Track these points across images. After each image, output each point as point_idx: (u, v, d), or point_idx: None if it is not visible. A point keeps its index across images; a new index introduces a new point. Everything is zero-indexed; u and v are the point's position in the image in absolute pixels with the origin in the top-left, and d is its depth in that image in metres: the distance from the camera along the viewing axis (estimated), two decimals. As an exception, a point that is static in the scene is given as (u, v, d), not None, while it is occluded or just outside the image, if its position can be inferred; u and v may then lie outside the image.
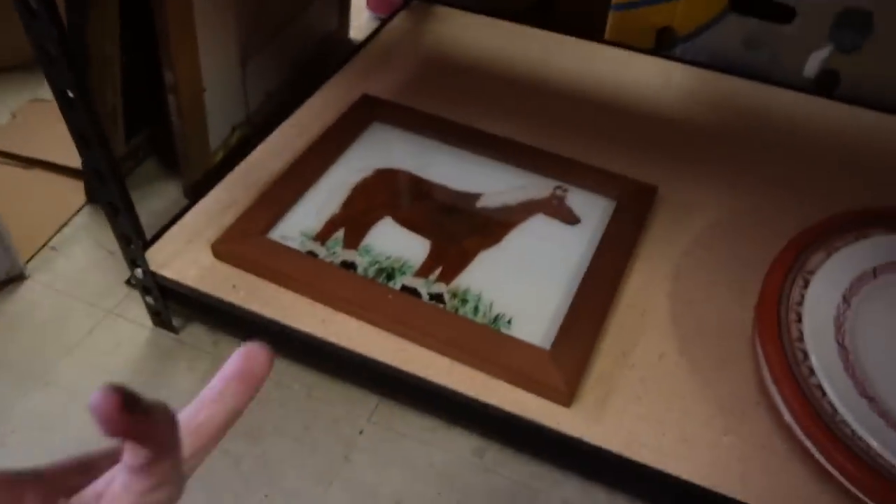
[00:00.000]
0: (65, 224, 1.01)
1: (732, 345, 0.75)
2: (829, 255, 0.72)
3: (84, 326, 0.89)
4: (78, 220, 1.02)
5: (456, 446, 0.78)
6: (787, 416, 0.63)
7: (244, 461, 0.77)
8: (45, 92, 1.18)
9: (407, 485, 0.75)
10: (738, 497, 0.63)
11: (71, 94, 0.65)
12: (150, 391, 0.83)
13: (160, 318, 0.87)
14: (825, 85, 1.06)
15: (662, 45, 1.14)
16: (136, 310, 0.90)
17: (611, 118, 1.03)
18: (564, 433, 0.68)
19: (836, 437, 0.59)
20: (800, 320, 0.66)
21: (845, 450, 0.59)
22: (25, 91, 1.20)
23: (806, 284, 0.69)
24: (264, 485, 0.75)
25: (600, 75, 1.10)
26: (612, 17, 1.15)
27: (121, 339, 0.88)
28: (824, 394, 0.62)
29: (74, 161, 1.03)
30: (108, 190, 0.73)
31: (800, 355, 0.64)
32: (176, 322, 0.88)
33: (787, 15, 1.03)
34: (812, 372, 0.63)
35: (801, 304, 0.68)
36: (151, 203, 1.03)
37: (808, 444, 0.61)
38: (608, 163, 0.92)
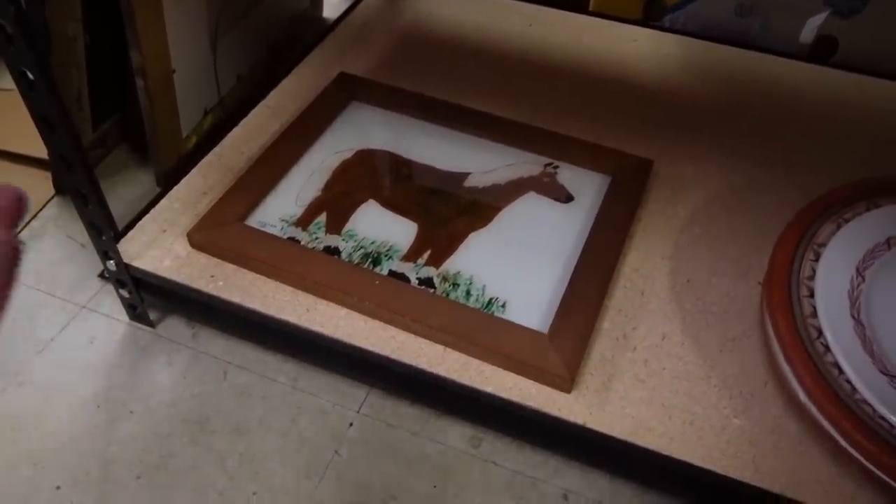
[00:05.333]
0: (33, 217, 0.97)
1: (737, 324, 0.72)
2: (839, 226, 0.69)
3: (57, 322, 0.85)
4: (46, 212, 0.98)
5: (450, 437, 0.75)
6: (803, 397, 0.60)
7: (229, 458, 0.73)
8: (8, 81, 1.13)
9: (401, 478, 0.72)
10: (752, 482, 0.60)
11: (31, 76, 0.61)
12: (128, 387, 0.79)
13: (136, 312, 0.83)
14: (822, 52, 1.03)
15: (650, 14, 1.10)
16: (111, 304, 0.86)
17: (599, 92, 0.99)
18: (566, 420, 0.65)
19: (857, 416, 0.57)
20: (812, 295, 0.63)
21: (866, 430, 0.56)
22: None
23: (817, 258, 0.66)
24: (251, 482, 0.72)
25: (587, 48, 1.06)
26: (597, -12, 1.11)
27: (95, 335, 0.84)
28: (841, 371, 0.59)
29: (41, 151, 0.98)
30: (75, 177, 0.69)
31: (813, 332, 0.61)
32: (153, 315, 0.84)
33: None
34: (827, 349, 0.60)
35: (812, 278, 0.64)
36: (122, 192, 0.99)
37: (826, 424, 0.58)
38: (599, 138, 0.89)
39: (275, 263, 0.74)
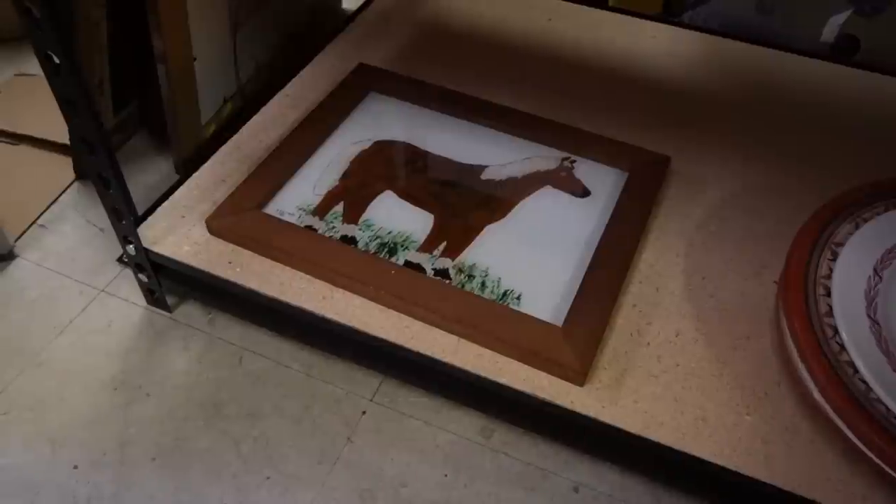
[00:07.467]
0: (54, 201, 0.98)
1: (751, 322, 0.72)
2: (857, 226, 0.68)
3: (76, 305, 0.86)
4: (67, 196, 0.99)
5: (462, 427, 0.76)
6: (817, 395, 0.60)
7: (244, 443, 0.74)
8: (31, 66, 1.14)
9: (412, 466, 0.73)
10: (764, 479, 0.60)
11: (56, 59, 0.61)
12: (144, 370, 0.80)
13: (154, 297, 0.84)
14: (844, 51, 1.02)
15: (671, 10, 1.10)
16: (129, 288, 0.87)
17: (618, 87, 0.99)
18: (578, 413, 0.65)
19: (871, 415, 0.57)
20: (828, 294, 0.63)
21: (880, 429, 0.56)
22: (10, 66, 1.16)
23: (834, 257, 0.66)
24: (265, 466, 0.73)
25: (606, 43, 1.06)
26: (617, -17, 1.11)
27: (113, 318, 0.84)
28: (856, 371, 0.59)
29: (62, 136, 0.99)
30: (97, 161, 0.69)
31: (828, 331, 0.61)
32: (170, 300, 0.85)
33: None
34: (842, 348, 0.60)
35: (829, 277, 0.64)
36: (141, 178, 0.99)
37: (840, 423, 0.58)
38: (617, 133, 0.89)
39: (292, 251, 0.75)
